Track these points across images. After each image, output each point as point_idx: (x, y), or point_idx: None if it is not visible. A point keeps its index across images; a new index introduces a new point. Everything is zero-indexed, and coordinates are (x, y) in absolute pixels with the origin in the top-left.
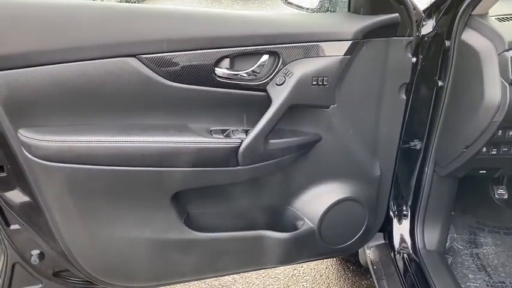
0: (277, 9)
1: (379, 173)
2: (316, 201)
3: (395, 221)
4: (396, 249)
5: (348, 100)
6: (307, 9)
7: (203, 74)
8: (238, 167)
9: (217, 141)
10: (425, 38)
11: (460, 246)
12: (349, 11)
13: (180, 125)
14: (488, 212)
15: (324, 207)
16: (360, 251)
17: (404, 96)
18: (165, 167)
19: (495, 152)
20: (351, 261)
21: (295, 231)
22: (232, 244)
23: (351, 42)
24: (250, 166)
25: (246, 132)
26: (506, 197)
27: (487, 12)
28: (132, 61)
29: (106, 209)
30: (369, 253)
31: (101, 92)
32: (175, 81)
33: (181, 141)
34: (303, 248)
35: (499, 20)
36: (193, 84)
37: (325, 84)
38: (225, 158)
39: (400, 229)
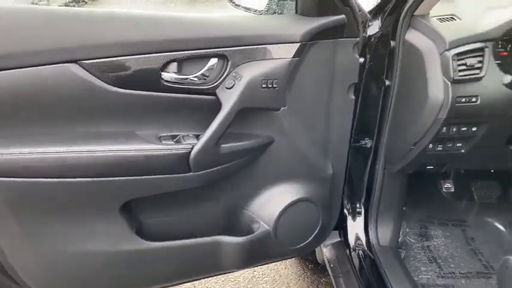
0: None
1: (331, 173)
2: (271, 203)
3: (349, 218)
4: (351, 246)
5: (298, 102)
6: (255, 11)
7: (150, 79)
8: (190, 173)
9: (167, 148)
10: (372, 39)
11: (412, 240)
12: (296, 13)
13: (128, 132)
14: (438, 206)
15: (278, 209)
16: (317, 249)
17: (353, 97)
18: (113, 177)
19: (441, 148)
20: (309, 260)
21: (251, 235)
22: (188, 251)
23: (299, 44)
24: (202, 172)
25: (198, 137)
26: (453, 190)
27: (429, 13)
28: (74, 67)
29: (51, 223)
30: (325, 251)
31: (40, 101)
32: (120, 87)
33: (129, 149)
34: (260, 250)
35: (440, 20)
36: (140, 90)
37: (275, 87)
38: (176, 165)
39: (355, 226)
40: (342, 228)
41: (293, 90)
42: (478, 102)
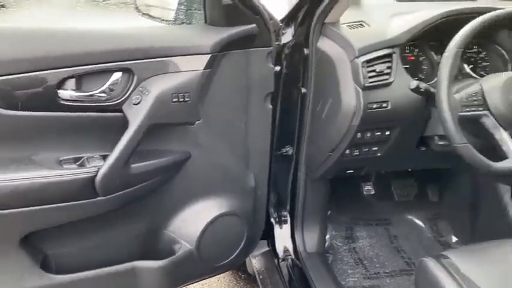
0: (134, 21)
1: (253, 184)
2: (192, 221)
3: (276, 227)
4: (279, 255)
5: (213, 114)
6: (163, 21)
7: (44, 98)
8: (98, 198)
9: (68, 173)
10: (286, 47)
11: (339, 243)
12: (206, 23)
13: (21, 158)
14: (361, 207)
15: (200, 227)
16: (246, 260)
17: (270, 106)
18: (7, 209)
19: (358, 153)
20: (241, 270)
21: (172, 257)
22: (103, 281)
23: (209, 55)
24: (111, 196)
25: (105, 158)
26: (373, 192)
27: (339, 20)
28: None
29: None
30: (254, 262)
31: None
32: (10, 109)
33: (22, 178)
34: (183, 272)
35: (350, 27)
36: (34, 111)
37: (187, 101)
38: (80, 190)
39: (282, 235)
40: (269, 237)
41: (207, 102)
42: (389, 107)
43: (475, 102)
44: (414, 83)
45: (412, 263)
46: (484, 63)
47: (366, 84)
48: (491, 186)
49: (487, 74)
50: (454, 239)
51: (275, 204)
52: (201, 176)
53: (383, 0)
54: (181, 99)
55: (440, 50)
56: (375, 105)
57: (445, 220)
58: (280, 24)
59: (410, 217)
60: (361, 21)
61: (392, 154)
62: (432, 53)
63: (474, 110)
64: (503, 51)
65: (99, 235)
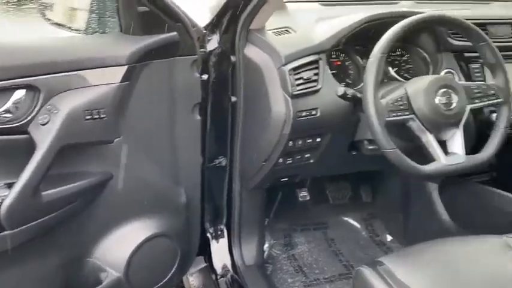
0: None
1: (185, 200)
2: (119, 246)
3: (213, 242)
4: (217, 271)
5: (135, 130)
6: (73, 30)
7: None
8: (4, 233)
9: None
10: (212, 54)
11: (278, 252)
12: (121, 31)
13: None
14: (299, 213)
15: (128, 251)
16: (183, 278)
17: (198, 117)
18: None
19: (291, 161)
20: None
21: (99, 286)
22: None
23: (126, 67)
24: (21, 228)
25: (11, 186)
26: (308, 198)
27: (264, 26)
28: None
29: None
30: (191, 280)
31: None
32: None
33: None
34: None
35: (276, 33)
36: None
37: (103, 117)
38: None
39: (219, 249)
40: (206, 253)
41: (128, 117)
42: (318, 114)
43: (401, 107)
44: (341, 90)
45: (350, 265)
46: (408, 66)
47: (294, 92)
48: (420, 184)
49: (411, 76)
50: (389, 238)
51: (210, 218)
52: (126, 197)
53: (308, 4)
54: (96, 116)
55: (366, 54)
56: (304, 113)
57: (379, 220)
58: (204, 31)
59: (346, 219)
60: (287, 27)
61: (325, 160)
62: (358, 57)
63: (400, 115)
64: (425, 54)
65: (10, 271)
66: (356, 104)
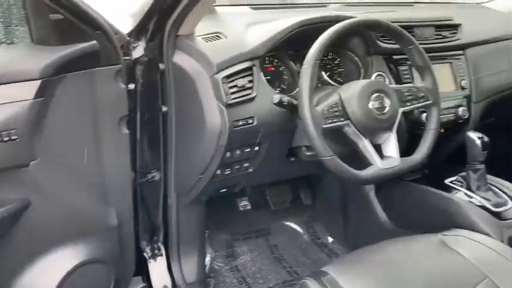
0: None
1: (116, 222)
2: (44, 277)
3: (151, 261)
4: None
5: (54, 150)
6: None
7: None
8: None
9: None
10: (139, 63)
11: (220, 264)
12: (32, 42)
13: None
14: (240, 221)
15: (54, 283)
16: None
17: (126, 130)
18: None
19: (229, 172)
20: None
21: None
22: None
23: (40, 81)
24: None
25: None
26: (249, 207)
27: (194, 32)
28: None
29: None
30: None
31: None
32: None
33: None
34: None
35: (206, 39)
36: None
37: (14, 139)
38: None
39: (157, 268)
40: (144, 273)
41: (44, 137)
42: (255, 123)
43: (336, 113)
44: (277, 97)
45: (294, 271)
46: (340, 69)
47: (229, 102)
48: (358, 185)
49: (344, 79)
50: (330, 239)
51: (146, 236)
52: (48, 225)
53: (238, 8)
54: (6, 138)
55: (299, 58)
56: (240, 123)
57: (320, 222)
58: (128, 39)
59: (287, 223)
60: (218, 32)
61: (264, 168)
62: (291, 62)
63: (336, 121)
64: (355, 57)
65: None
66: (292, 110)
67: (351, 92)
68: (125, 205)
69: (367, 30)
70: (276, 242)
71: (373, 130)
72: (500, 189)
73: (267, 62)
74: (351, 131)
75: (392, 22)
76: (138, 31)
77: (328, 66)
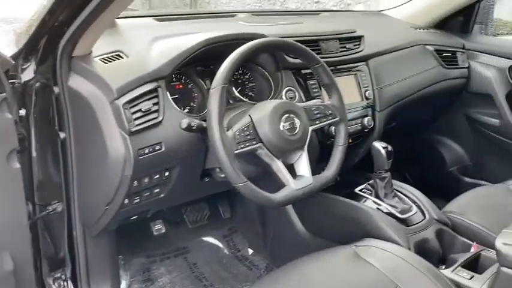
0: None
1: (11, 267)
2: None
3: None
4: None
5: None
6: None
7: None
8: None
9: None
10: (30, 86)
11: None
12: None
13: None
14: (156, 242)
15: None
16: None
17: (17, 165)
18: None
19: (138, 200)
20: None
21: None
22: None
23: None
24: None
25: None
26: (164, 231)
27: (91, 52)
28: None
29: None
30: None
31: None
32: None
33: None
34: None
35: (105, 60)
36: None
37: None
38: None
39: None
40: None
41: None
42: (163, 149)
43: (248, 137)
44: (185, 122)
45: None
46: (251, 84)
47: (133, 129)
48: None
49: (255, 94)
50: (251, 251)
51: (52, 273)
52: None
53: (141, 21)
54: None
55: (209, 74)
56: (147, 150)
57: (239, 234)
58: (13, 62)
59: (206, 239)
60: (118, 51)
61: (177, 191)
62: (200, 80)
63: (248, 145)
64: (266, 72)
65: None
66: (203, 133)
67: (262, 113)
68: (21, 245)
69: (275, 50)
70: (195, 259)
71: (285, 151)
72: (405, 195)
73: (174, 80)
74: (263, 153)
75: (299, 36)
76: (28, 52)
77: (239, 81)
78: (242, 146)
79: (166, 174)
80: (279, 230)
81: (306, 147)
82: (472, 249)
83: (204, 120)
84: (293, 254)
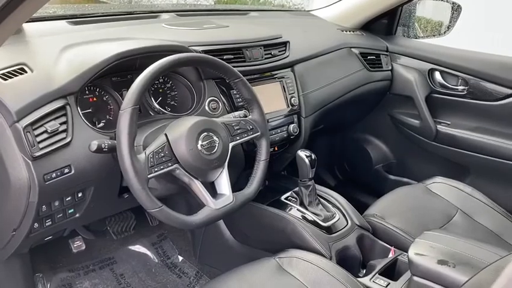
0: None
1: None
2: None
3: None
4: None
5: None
6: None
7: None
8: None
9: None
10: None
11: None
12: None
13: None
14: (78, 254)
15: None
16: None
17: None
18: None
19: (50, 223)
20: None
21: None
22: None
23: None
24: None
25: None
26: (84, 247)
27: None
28: None
29: None
30: None
31: None
32: None
33: None
34: None
35: (5, 76)
36: None
37: None
38: None
39: None
40: None
41: None
42: (73, 172)
43: (164, 158)
44: (94, 144)
45: None
46: (173, 93)
47: (37, 154)
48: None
49: (177, 104)
50: (180, 258)
51: None
52: None
53: (53, 24)
54: None
55: (125, 85)
56: (54, 175)
57: (169, 241)
58: None
59: (134, 248)
60: (22, 64)
61: (94, 209)
62: (115, 92)
63: (164, 167)
64: (188, 82)
65: None
66: (111, 152)
67: (178, 133)
68: None
69: (193, 66)
70: (122, 270)
71: (204, 171)
72: (329, 201)
73: (87, 92)
74: (181, 173)
75: (223, 44)
76: None
77: (160, 91)
78: (157, 169)
79: (80, 195)
80: (208, 238)
81: (226, 164)
82: (390, 255)
83: None
84: (222, 262)
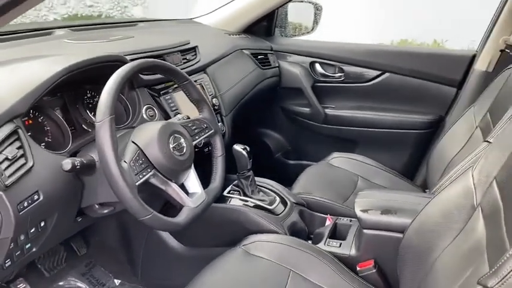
0: None
1: None
2: None
3: None
4: None
5: None
6: None
7: None
8: None
9: None
10: None
11: None
12: None
13: None
14: None
15: None
16: None
17: None
18: None
19: (10, 263)
20: None
21: None
22: None
23: None
24: None
25: None
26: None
27: None
28: None
29: None
30: None
31: None
32: None
33: None
34: None
35: None
36: None
37: None
38: None
39: None
40: None
41: None
42: (41, 197)
43: (143, 165)
44: (68, 163)
45: None
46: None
47: (7, 182)
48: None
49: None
50: (117, 281)
51: None
52: None
53: None
54: None
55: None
56: (26, 203)
57: (98, 267)
58: None
59: (65, 284)
60: None
61: (49, 240)
62: (53, 110)
63: (145, 174)
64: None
65: None
66: (86, 170)
67: (148, 137)
68: None
69: (146, 72)
70: None
71: (177, 172)
72: (266, 188)
73: (31, 115)
74: (159, 179)
75: (146, 52)
76: None
77: (91, 106)
78: (141, 176)
79: (42, 224)
80: (149, 251)
81: (192, 163)
82: (328, 222)
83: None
84: (171, 271)
